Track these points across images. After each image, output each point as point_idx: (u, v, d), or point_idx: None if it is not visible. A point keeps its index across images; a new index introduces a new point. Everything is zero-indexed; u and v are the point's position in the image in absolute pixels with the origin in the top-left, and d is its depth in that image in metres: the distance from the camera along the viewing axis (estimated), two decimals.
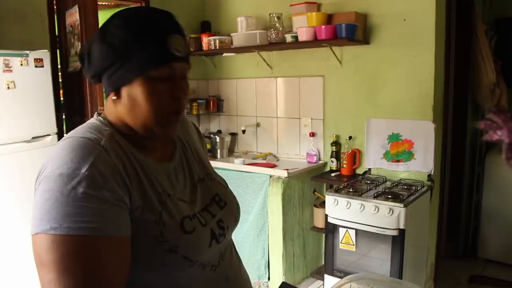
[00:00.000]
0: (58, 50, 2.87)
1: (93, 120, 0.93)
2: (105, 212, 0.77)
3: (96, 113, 0.97)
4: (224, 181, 1.13)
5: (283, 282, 1.16)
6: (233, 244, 1.11)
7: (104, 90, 0.93)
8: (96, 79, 0.93)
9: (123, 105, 0.90)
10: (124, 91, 0.88)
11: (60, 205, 0.75)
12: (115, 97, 0.90)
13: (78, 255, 0.74)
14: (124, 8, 0.92)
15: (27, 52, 2.41)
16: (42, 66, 2.48)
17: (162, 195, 0.89)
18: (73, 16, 2.64)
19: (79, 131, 0.88)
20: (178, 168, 1.00)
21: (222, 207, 1.03)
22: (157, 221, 0.86)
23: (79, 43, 2.62)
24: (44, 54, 2.50)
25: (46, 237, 0.74)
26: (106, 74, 0.89)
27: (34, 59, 2.44)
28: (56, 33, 2.86)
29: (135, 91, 0.87)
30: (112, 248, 0.78)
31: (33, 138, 2.47)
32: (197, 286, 0.93)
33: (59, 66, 2.90)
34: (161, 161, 0.96)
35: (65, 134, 3.34)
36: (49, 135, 2.54)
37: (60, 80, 2.91)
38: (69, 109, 2.88)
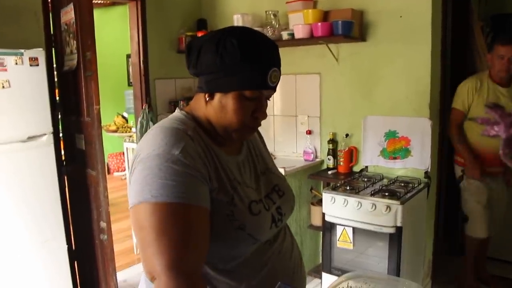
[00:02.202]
0: (53, 49, 2.84)
1: (178, 114, 1.10)
2: (194, 186, 0.94)
3: (178, 107, 1.14)
4: (283, 175, 1.29)
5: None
6: (288, 226, 1.25)
7: (198, 86, 1.07)
8: (194, 74, 1.08)
9: (212, 106, 1.05)
10: (217, 96, 1.03)
11: (158, 178, 0.91)
12: (208, 98, 1.05)
13: (173, 219, 0.90)
14: (239, 27, 1.07)
15: (22, 51, 2.39)
16: (37, 65, 2.46)
17: (233, 182, 1.05)
18: (68, 14, 2.62)
19: (167, 122, 1.05)
20: (245, 161, 1.16)
21: (281, 196, 1.18)
22: (229, 202, 1.01)
23: (75, 42, 2.60)
24: (39, 53, 2.48)
25: (147, 204, 0.90)
26: (207, 77, 1.03)
27: (29, 58, 2.41)
28: (51, 32, 2.83)
29: (226, 100, 1.02)
30: (199, 215, 0.94)
31: (29, 138, 2.44)
32: (255, 257, 1.07)
33: (54, 65, 2.87)
34: (231, 154, 1.12)
35: (61, 134, 3.24)
36: (45, 134, 2.51)
37: (56, 79, 2.89)
38: (65, 108, 2.85)
